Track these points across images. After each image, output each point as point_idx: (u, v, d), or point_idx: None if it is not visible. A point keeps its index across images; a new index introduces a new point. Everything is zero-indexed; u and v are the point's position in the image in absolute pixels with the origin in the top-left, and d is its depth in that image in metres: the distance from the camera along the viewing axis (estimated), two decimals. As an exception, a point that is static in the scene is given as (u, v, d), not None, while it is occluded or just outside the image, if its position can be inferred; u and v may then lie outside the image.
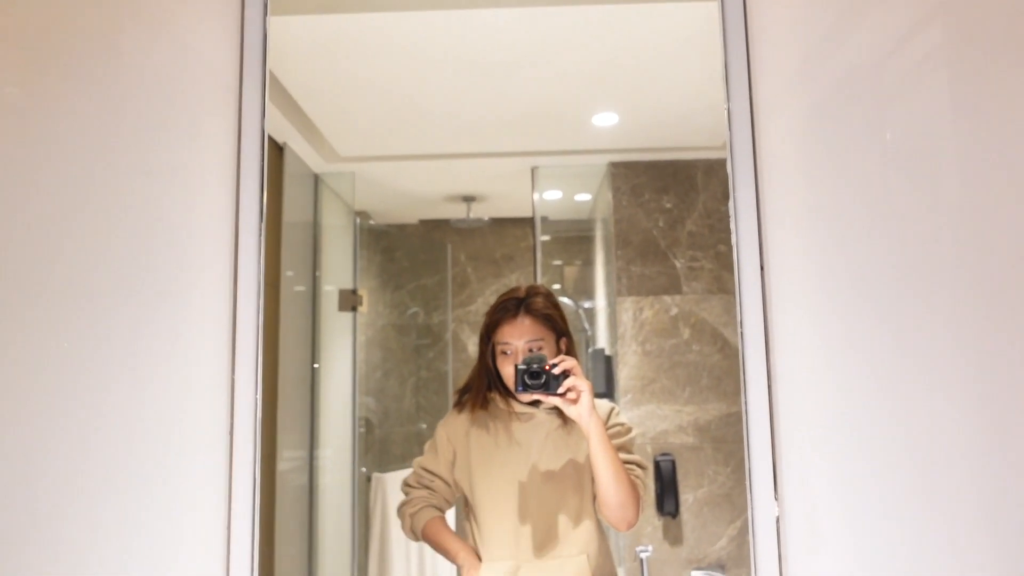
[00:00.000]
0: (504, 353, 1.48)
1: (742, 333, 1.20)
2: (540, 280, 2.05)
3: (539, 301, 1.50)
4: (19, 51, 1.28)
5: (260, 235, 1.22)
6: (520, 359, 1.45)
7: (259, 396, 1.19)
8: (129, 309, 1.22)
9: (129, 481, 1.19)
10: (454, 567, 1.50)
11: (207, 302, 1.22)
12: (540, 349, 1.46)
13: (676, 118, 1.77)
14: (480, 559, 1.47)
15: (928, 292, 1.19)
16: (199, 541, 1.17)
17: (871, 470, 1.16)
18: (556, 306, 1.52)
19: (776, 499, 1.16)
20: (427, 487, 1.53)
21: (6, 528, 1.17)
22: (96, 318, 1.22)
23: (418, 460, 1.56)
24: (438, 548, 1.51)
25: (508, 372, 1.46)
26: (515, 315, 1.48)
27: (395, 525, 1.99)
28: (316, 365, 1.91)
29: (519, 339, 1.46)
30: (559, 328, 1.50)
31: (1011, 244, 1.19)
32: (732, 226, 1.22)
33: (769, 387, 1.18)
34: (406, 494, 1.56)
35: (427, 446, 1.57)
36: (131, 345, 1.21)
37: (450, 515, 1.60)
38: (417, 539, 1.53)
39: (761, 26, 1.26)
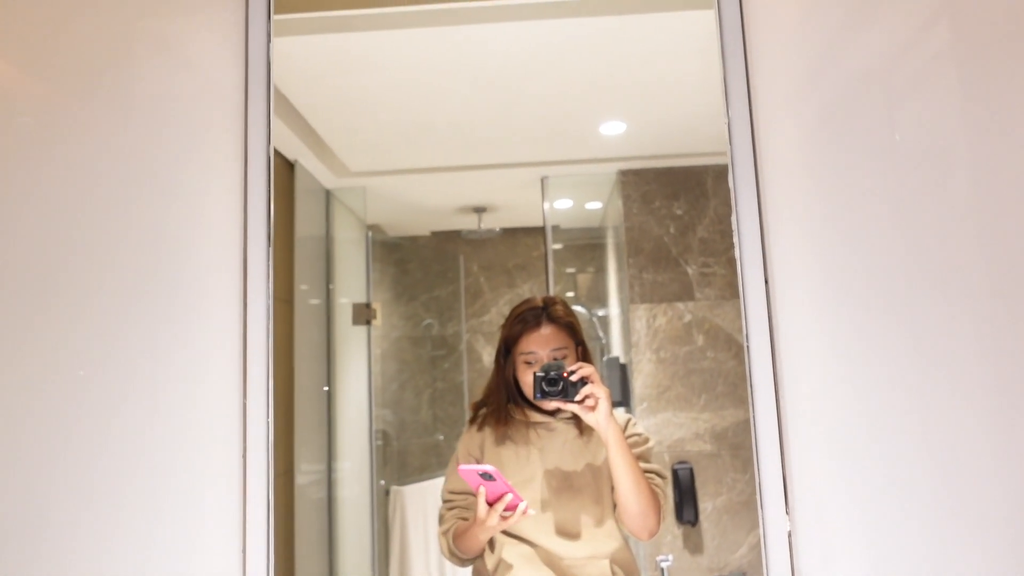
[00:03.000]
0: (527, 363, 1.47)
1: (748, 346, 1.18)
2: (553, 289, 2.05)
3: (559, 309, 1.49)
4: (33, 78, 1.31)
5: (268, 252, 1.23)
6: None
7: (271, 410, 1.20)
8: (141, 325, 1.24)
9: (142, 498, 1.20)
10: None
11: (218, 318, 1.23)
12: (564, 358, 1.46)
13: (684, 125, 1.76)
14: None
15: (943, 293, 1.17)
16: (215, 555, 1.18)
17: (887, 479, 1.14)
18: (573, 314, 1.52)
19: (787, 513, 1.14)
20: (458, 506, 1.50)
21: (14, 533, 1.19)
22: (107, 333, 1.24)
23: (444, 486, 1.55)
24: (469, 539, 1.43)
25: (529, 381, 1.44)
26: (537, 325, 1.47)
27: (414, 538, 2.00)
28: (331, 378, 1.92)
29: (543, 348, 1.46)
30: (578, 336, 1.50)
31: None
32: (735, 238, 1.21)
33: (777, 400, 1.16)
34: (440, 522, 1.52)
35: (448, 469, 1.56)
36: (142, 362, 1.23)
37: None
38: (459, 557, 1.47)
39: (760, 32, 1.25)
